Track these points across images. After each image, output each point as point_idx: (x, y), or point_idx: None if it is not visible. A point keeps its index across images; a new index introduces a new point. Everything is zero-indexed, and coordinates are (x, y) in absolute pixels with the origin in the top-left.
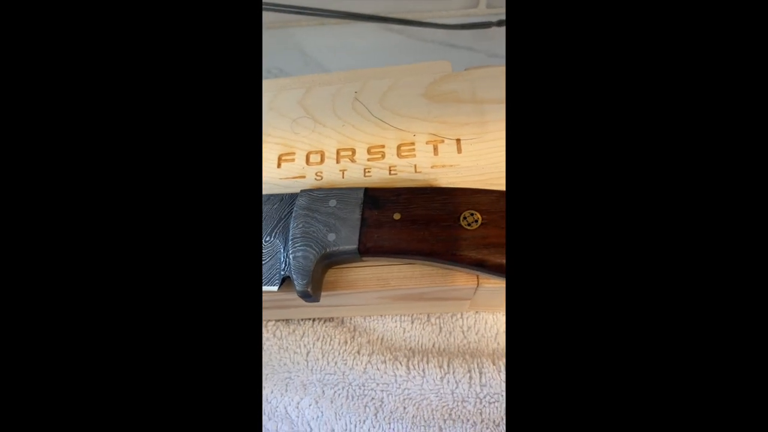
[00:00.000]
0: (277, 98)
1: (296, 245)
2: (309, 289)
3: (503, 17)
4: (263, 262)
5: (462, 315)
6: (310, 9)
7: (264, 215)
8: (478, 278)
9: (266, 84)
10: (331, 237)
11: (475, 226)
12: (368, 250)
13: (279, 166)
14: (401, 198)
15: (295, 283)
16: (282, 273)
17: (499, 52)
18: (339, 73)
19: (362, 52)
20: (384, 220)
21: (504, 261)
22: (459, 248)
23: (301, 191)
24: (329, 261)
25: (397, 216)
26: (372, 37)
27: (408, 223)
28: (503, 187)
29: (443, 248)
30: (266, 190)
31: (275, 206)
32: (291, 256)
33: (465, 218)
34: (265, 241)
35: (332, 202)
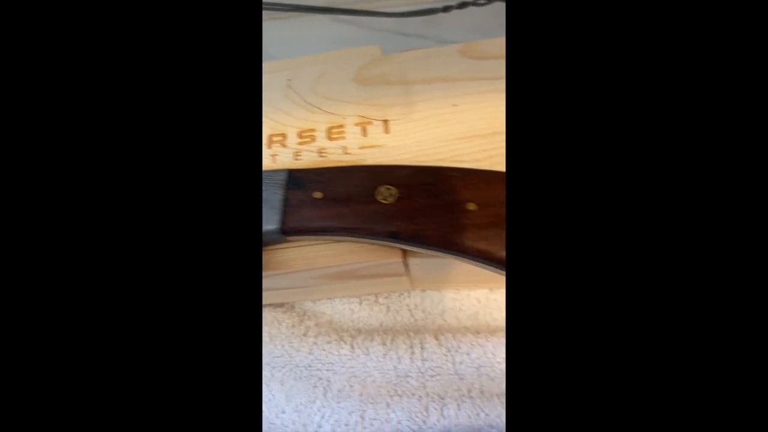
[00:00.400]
0: None
1: None
2: None
3: (449, 3)
4: None
5: (410, 294)
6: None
7: None
8: (403, 252)
9: None
10: None
11: (391, 200)
12: (291, 229)
13: None
14: (323, 177)
15: None
16: None
17: (449, 38)
18: (273, 62)
19: (314, 45)
20: (306, 199)
21: (417, 231)
22: (375, 222)
23: None
24: None
25: (318, 195)
26: (323, 29)
27: (329, 201)
28: (429, 164)
29: (361, 223)
30: None
31: None
32: None
33: (381, 193)
34: None
35: None
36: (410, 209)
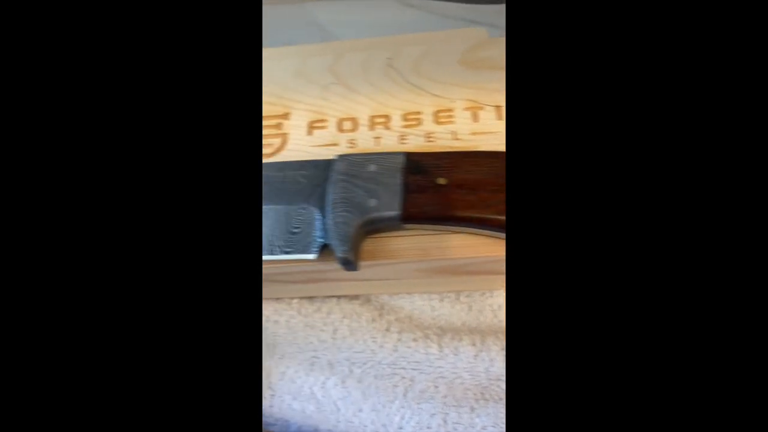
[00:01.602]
0: (305, 64)
1: (336, 211)
2: (350, 256)
3: None
4: (297, 231)
5: (492, 293)
6: None
7: (299, 182)
8: None
9: (293, 50)
10: (372, 202)
11: None
12: (411, 216)
13: (310, 133)
14: (444, 162)
15: (336, 249)
16: (320, 240)
17: None
18: (369, 39)
19: (381, 27)
20: (427, 185)
21: None
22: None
23: (339, 156)
24: (369, 228)
25: (441, 181)
26: (391, 12)
27: (454, 188)
28: None
29: (490, 213)
30: (297, 157)
31: (309, 173)
32: (331, 222)
33: None
34: (301, 209)
35: (372, 167)
36: None
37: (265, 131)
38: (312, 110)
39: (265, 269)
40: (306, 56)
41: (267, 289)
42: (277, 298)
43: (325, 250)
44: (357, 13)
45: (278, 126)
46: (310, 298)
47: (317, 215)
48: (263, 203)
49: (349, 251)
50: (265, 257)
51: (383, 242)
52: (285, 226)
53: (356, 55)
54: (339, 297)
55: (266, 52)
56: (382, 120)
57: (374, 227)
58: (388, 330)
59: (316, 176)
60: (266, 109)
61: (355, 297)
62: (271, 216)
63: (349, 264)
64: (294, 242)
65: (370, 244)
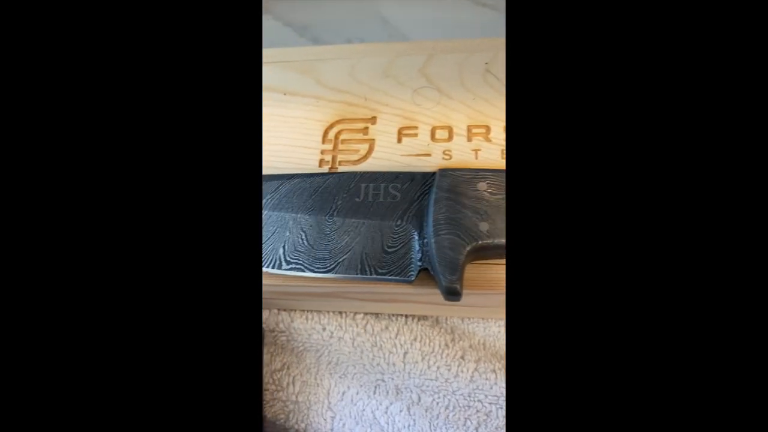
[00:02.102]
0: (393, 64)
1: (441, 233)
2: (457, 286)
3: None
4: (392, 250)
5: None
6: None
7: (393, 195)
8: None
9: (379, 47)
10: (484, 227)
11: None
12: None
13: (399, 141)
14: None
15: (441, 277)
16: (419, 264)
17: None
18: (465, 40)
19: (451, 27)
20: None
21: None
22: None
23: (441, 170)
24: (477, 254)
25: None
26: (461, 11)
27: None
28: None
29: None
30: (385, 166)
31: (405, 185)
32: (434, 246)
33: None
34: (396, 225)
35: (481, 186)
36: None
37: (351, 135)
38: (402, 115)
39: (331, 285)
40: (393, 55)
41: (329, 303)
42: (341, 312)
43: (420, 273)
44: (425, 10)
45: (365, 131)
46: (376, 314)
47: (414, 234)
48: (353, 217)
49: (457, 280)
50: (357, 276)
51: (486, 269)
52: (379, 243)
53: (449, 57)
54: (406, 316)
55: (342, 49)
56: (480, 131)
57: (483, 254)
58: (462, 358)
59: (412, 190)
60: (352, 112)
61: (424, 317)
62: (362, 231)
63: (455, 294)
64: (389, 263)
65: (470, 270)
